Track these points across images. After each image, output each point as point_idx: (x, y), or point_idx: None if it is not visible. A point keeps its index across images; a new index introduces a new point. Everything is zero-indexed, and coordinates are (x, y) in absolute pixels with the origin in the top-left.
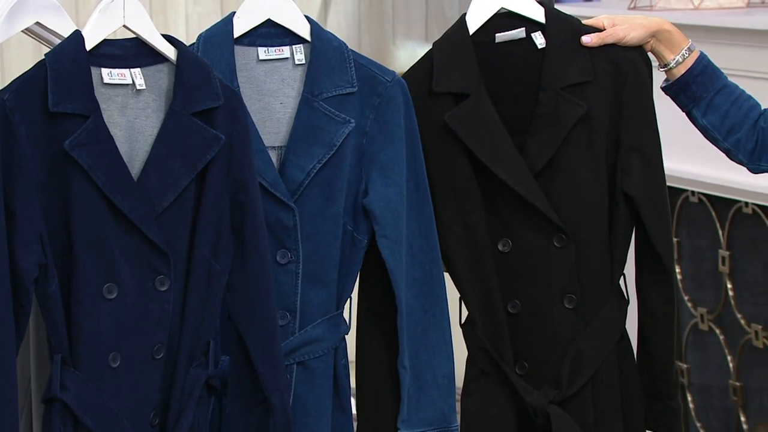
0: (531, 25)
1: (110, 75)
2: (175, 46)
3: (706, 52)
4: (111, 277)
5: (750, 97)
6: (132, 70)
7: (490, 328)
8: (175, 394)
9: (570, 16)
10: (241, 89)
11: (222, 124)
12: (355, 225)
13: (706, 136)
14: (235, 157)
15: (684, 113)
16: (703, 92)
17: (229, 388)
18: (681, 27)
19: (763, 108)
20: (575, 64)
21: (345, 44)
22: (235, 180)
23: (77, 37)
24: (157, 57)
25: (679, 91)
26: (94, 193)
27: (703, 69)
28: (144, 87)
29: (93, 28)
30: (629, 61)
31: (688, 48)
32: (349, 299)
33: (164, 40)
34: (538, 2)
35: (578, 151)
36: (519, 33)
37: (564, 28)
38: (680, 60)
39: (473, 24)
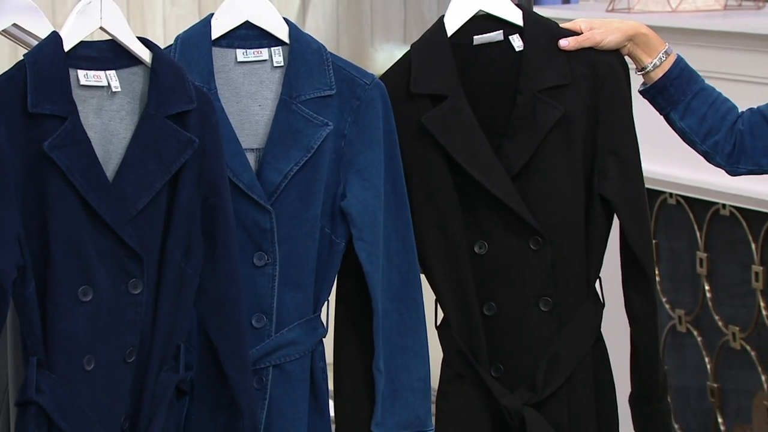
0: (509, 27)
1: (86, 77)
2: (150, 49)
3: (683, 55)
4: (86, 279)
5: (727, 100)
6: (107, 72)
7: (466, 330)
8: (146, 398)
9: (547, 19)
10: (218, 91)
11: (195, 127)
12: (332, 228)
13: (684, 139)
14: (207, 161)
15: (662, 116)
16: (680, 95)
17: (195, 391)
18: (658, 29)
19: (740, 111)
20: (553, 67)
21: (323, 46)
22: (207, 183)
23: (55, 38)
24: (132, 59)
25: (657, 94)
26: (71, 194)
27: (681, 72)
28: (119, 89)
29: (71, 29)
30: (606, 65)
31: (665, 51)
32: (326, 302)
33: (139, 42)
34: (516, 5)
35: (555, 154)
36: (497, 35)
37: (542, 32)
38: (657, 63)
39: (451, 26)
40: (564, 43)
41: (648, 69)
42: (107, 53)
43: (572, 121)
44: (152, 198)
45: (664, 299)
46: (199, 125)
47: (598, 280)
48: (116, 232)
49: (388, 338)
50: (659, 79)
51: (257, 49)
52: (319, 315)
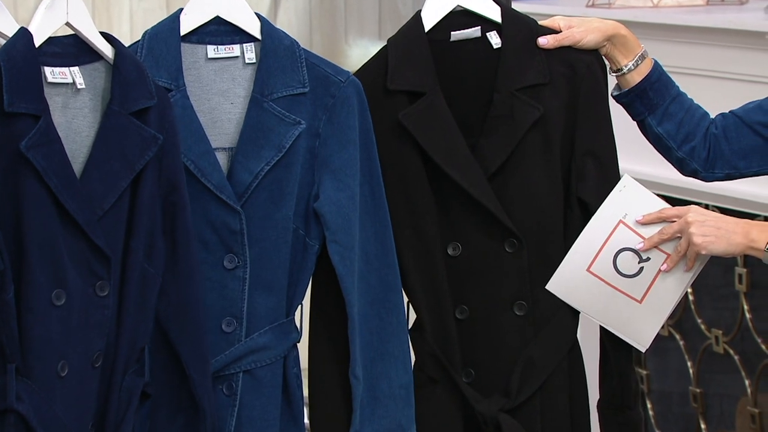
0: (487, 24)
1: (53, 74)
2: (111, 44)
3: (665, 51)
4: (59, 283)
5: (699, 107)
6: (71, 68)
7: (439, 334)
8: (112, 403)
9: (526, 16)
10: (188, 88)
11: (155, 123)
12: (306, 230)
13: (658, 146)
14: (167, 157)
15: (636, 122)
16: (659, 100)
17: (153, 393)
18: (640, 25)
19: (711, 117)
20: (531, 65)
21: (297, 43)
22: (167, 180)
23: (26, 34)
24: (94, 55)
25: (636, 98)
26: (45, 195)
27: (659, 76)
28: (84, 86)
29: (40, 25)
30: (585, 65)
31: (641, 55)
32: (300, 306)
33: (102, 38)
34: (494, 1)
35: (533, 154)
36: (474, 32)
37: (520, 29)
38: (632, 67)
39: (428, 21)
40: (543, 41)
41: (623, 71)
42: (70, 49)
43: (550, 121)
44: (117, 197)
45: None
46: (158, 121)
47: None
48: (86, 233)
49: (368, 344)
50: (640, 82)
51: (229, 46)
52: (293, 319)
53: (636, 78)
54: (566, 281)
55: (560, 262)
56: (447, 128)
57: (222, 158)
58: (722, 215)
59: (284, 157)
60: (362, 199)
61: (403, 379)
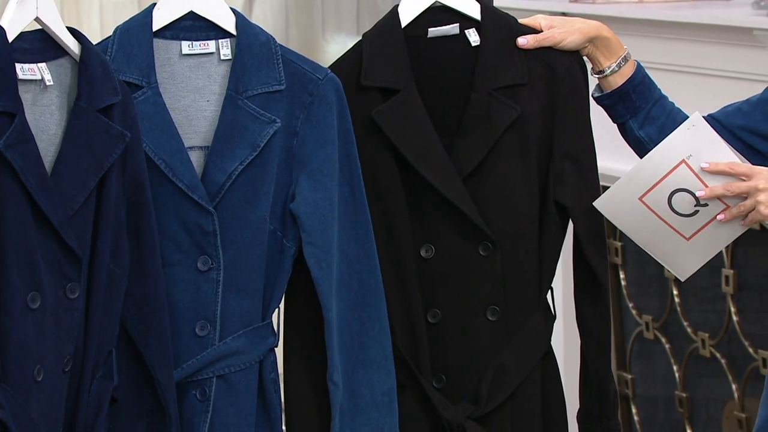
0: (465, 21)
1: (23, 71)
2: (78, 40)
3: (650, 47)
4: (34, 285)
5: (680, 110)
6: (39, 65)
7: (409, 338)
8: (82, 409)
9: (506, 14)
10: (162, 85)
11: (119, 120)
12: (284, 231)
13: (637, 149)
14: (131, 155)
15: (616, 125)
16: (642, 103)
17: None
18: (624, 21)
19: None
20: (510, 65)
21: (273, 39)
22: (132, 179)
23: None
24: (59, 51)
25: (619, 100)
26: (21, 195)
27: (643, 79)
28: (52, 83)
29: (12, 20)
30: (565, 66)
31: (624, 56)
32: (277, 309)
33: (69, 33)
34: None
35: (509, 156)
36: (453, 29)
37: (499, 27)
38: (616, 68)
39: (406, 17)
40: (522, 41)
41: (606, 73)
42: (37, 44)
43: (528, 123)
44: (86, 196)
45: (630, 304)
46: (122, 118)
47: (549, 291)
48: (59, 234)
49: (348, 349)
50: (623, 84)
51: (204, 41)
52: (269, 323)
53: (618, 80)
54: (616, 204)
55: (534, 267)
56: (421, 127)
57: (197, 157)
58: None
59: (259, 156)
60: (342, 200)
61: (385, 385)
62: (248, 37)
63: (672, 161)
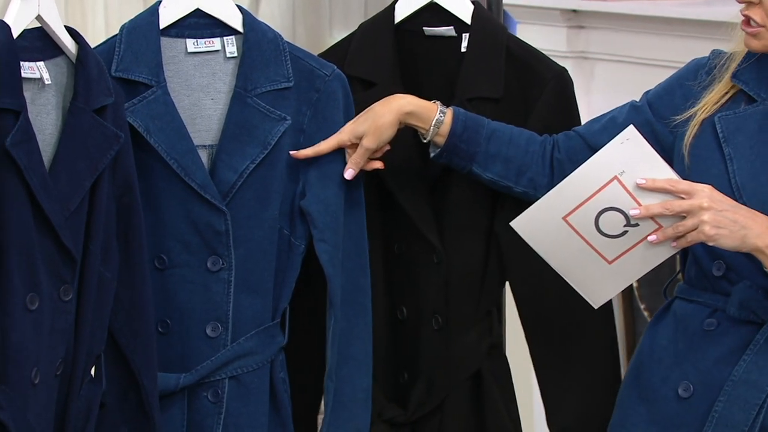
0: (459, 24)
1: (24, 69)
2: (75, 40)
3: (663, 45)
4: (33, 286)
5: (522, 131)
6: (38, 63)
7: (382, 333)
8: (71, 413)
9: (498, 22)
10: (168, 84)
11: (111, 121)
12: (291, 229)
13: (496, 189)
14: (121, 157)
15: (465, 174)
16: (474, 147)
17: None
18: (638, 18)
19: (540, 137)
20: (488, 76)
21: (280, 36)
22: (123, 181)
23: (5, 27)
24: (56, 50)
25: (452, 155)
26: (24, 194)
27: (464, 124)
28: (50, 82)
29: (17, 18)
30: (539, 87)
31: (440, 111)
32: (286, 309)
33: (67, 32)
34: (472, 1)
35: None
36: (448, 31)
37: (487, 36)
38: (435, 131)
39: (401, 12)
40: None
41: (428, 137)
42: (36, 43)
43: None
44: (82, 198)
45: (642, 306)
46: (114, 119)
47: (497, 312)
48: (57, 235)
49: (336, 346)
50: (447, 140)
51: (209, 39)
52: (279, 323)
53: (441, 139)
54: (535, 223)
55: (477, 285)
56: None
57: (202, 156)
58: (739, 205)
59: (269, 154)
60: (344, 197)
61: (364, 382)
62: (256, 34)
63: (602, 178)
